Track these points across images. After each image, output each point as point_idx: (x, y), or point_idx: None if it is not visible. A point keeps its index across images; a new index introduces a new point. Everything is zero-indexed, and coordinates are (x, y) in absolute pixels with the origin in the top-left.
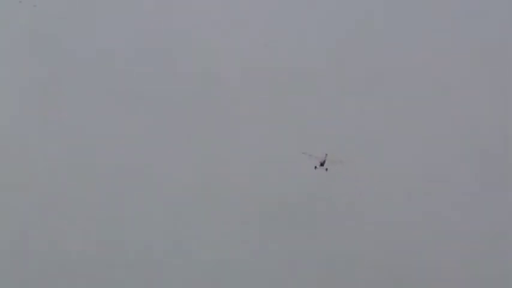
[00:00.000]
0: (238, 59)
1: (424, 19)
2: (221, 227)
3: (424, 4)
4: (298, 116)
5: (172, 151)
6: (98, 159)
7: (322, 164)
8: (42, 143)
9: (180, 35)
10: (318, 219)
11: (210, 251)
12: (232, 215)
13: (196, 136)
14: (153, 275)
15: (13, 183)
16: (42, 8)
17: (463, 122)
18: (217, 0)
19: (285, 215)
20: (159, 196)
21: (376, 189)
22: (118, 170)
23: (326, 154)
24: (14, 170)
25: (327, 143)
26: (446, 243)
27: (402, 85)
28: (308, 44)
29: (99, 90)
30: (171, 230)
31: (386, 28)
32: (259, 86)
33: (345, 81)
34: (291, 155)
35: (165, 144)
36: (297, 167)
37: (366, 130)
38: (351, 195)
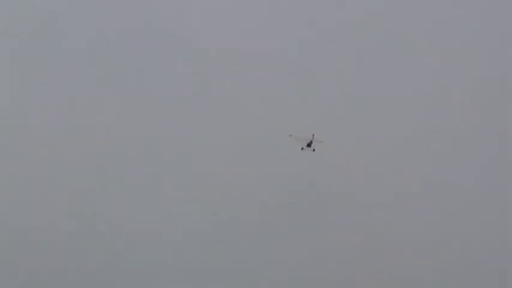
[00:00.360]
0: (236, 57)
1: (424, 19)
2: (219, 223)
3: (424, 4)
4: (282, 99)
5: (166, 148)
6: (97, 158)
7: (309, 145)
8: (40, 142)
9: (180, 35)
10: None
11: (207, 248)
12: (226, 209)
13: (191, 133)
14: (152, 275)
15: (13, 180)
16: (42, 8)
17: (455, 113)
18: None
19: (280, 206)
20: (156, 195)
21: (364, 169)
22: (117, 168)
23: (313, 134)
24: (13, 167)
25: (312, 124)
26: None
27: (393, 73)
28: (300, 39)
29: (98, 89)
30: (169, 229)
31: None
32: (250, 80)
33: (333, 70)
34: (279, 139)
35: (158, 140)
36: (285, 151)
37: (353, 111)
38: (339, 176)
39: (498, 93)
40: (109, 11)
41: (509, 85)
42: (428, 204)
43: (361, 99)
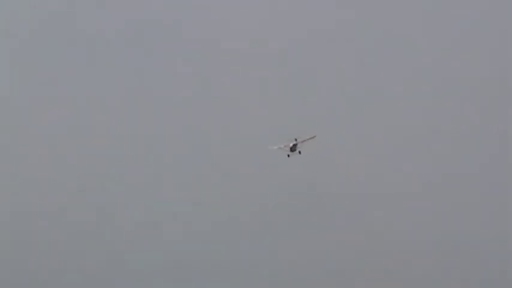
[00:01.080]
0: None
1: (424, 19)
2: (218, 225)
3: (424, 4)
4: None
5: (166, 148)
6: (97, 158)
7: (292, 150)
8: (40, 142)
9: (180, 35)
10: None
11: (205, 249)
12: (226, 209)
13: (191, 133)
14: (152, 275)
15: (13, 180)
16: (42, 8)
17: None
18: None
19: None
20: (156, 195)
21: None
22: (117, 168)
23: (295, 139)
24: (13, 167)
25: (312, 124)
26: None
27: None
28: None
29: (98, 89)
30: (169, 229)
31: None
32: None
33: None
34: (279, 140)
35: (158, 139)
36: (285, 151)
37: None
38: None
39: (498, 93)
40: (109, 11)
41: (509, 85)
42: (428, 204)
43: (361, 99)
